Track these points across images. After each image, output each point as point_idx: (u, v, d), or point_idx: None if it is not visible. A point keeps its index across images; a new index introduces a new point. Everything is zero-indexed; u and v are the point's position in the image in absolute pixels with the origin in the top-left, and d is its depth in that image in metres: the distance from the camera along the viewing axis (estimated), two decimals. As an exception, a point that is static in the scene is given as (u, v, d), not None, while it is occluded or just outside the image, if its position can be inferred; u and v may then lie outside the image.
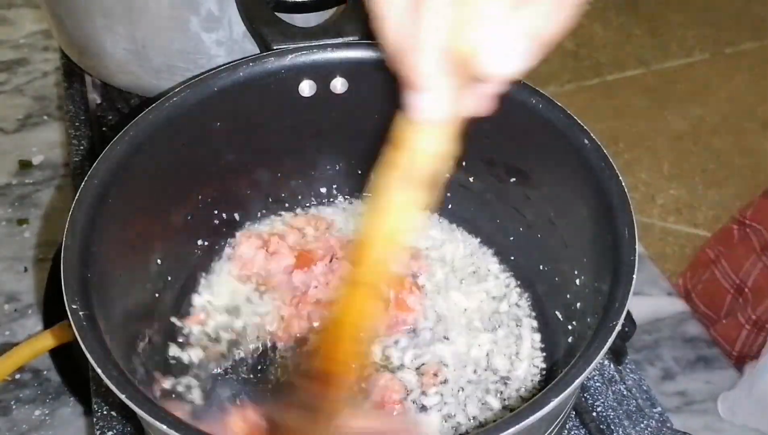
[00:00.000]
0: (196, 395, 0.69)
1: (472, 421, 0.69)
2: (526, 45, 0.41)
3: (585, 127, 0.65)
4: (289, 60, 0.72)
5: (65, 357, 0.85)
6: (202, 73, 0.71)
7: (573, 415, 0.73)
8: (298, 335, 0.73)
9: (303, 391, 0.54)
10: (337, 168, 0.82)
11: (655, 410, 0.75)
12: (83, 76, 1.03)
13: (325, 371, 0.53)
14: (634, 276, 0.56)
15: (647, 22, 3.05)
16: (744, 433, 0.83)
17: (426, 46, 0.43)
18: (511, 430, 0.48)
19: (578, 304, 0.68)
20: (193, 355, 0.72)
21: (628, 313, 0.65)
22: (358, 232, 0.50)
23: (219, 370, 0.72)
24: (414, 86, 0.44)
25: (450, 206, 0.82)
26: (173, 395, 0.68)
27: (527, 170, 0.73)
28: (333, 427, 0.55)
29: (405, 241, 0.50)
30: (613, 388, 0.71)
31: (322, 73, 0.73)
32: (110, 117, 1.01)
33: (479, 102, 0.46)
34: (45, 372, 0.86)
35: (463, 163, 0.77)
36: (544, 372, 0.72)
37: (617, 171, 0.62)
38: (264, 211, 0.82)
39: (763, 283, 1.11)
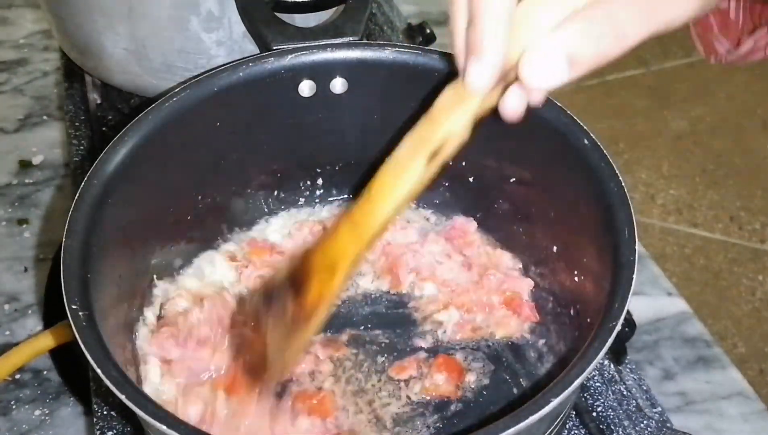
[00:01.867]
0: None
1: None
2: (564, 65, 0.43)
3: (585, 127, 0.65)
4: (288, 60, 0.72)
5: (65, 357, 0.85)
6: (202, 73, 0.71)
7: (573, 415, 0.73)
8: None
9: (285, 306, 0.58)
10: (337, 168, 0.82)
11: (655, 410, 0.75)
12: (83, 76, 1.03)
13: (305, 298, 0.56)
14: (634, 276, 0.56)
15: (647, 22, 3.04)
16: (744, 434, 0.83)
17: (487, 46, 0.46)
18: (511, 430, 0.48)
19: (578, 304, 0.68)
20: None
21: (628, 313, 0.65)
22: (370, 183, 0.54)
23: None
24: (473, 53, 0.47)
25: (449, 205, 0.82)
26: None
27: (527, 170, 0.73)
28: (300, 345, 0.59)
29: (402, 207, 0.54)
30: (613, 388, 0.71)
31: (322, 73, 0.73)
32: (110, 117, 1.01)
33: (512, 102, 0.49)
34: (45, 372, 0.86)
35: (463, 163, 0.77)
36: (544, 372, 0.72)
37: (617, 171, 0.62)
38: (264, 211, 0.82)
39: None
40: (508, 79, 0.47)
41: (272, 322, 0.59)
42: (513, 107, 0.48)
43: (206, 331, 0.69)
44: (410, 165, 0.52)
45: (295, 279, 0.58)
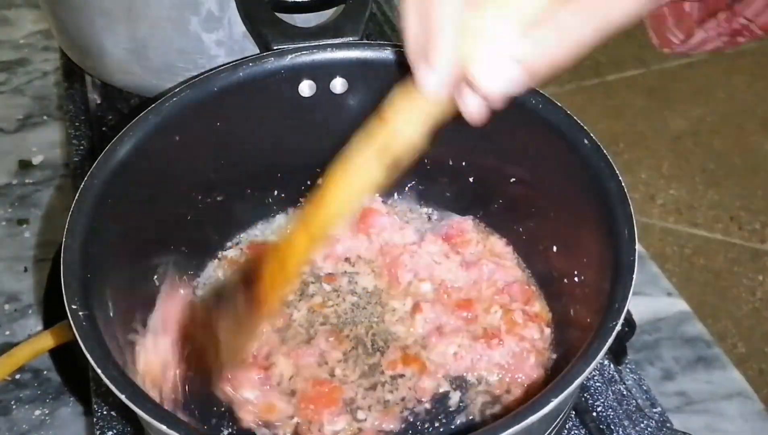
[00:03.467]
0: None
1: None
2: (516, 71, 0.44)
3: (585, 127, 0.65)
4: (289, 60, 0.72)
5: (65, 357, 0.85)
6: (202, 73, 0.71)
7: (573, 415, 0.73)
8: None
9: (237, 300, 0.61)
10: (337, 168, 0.82)
11: (655, 410, 0.76)
12: (83, 76, 1.03)
13: (257, 290, 0.59)
14: (634, 276, 0.56)
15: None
16: (744, 434, 0.83)
17: (439, 50, 0.45)
18: (511, 430, 0.49)
19: (578, 304, 0.68)
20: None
21: (628, 313, 0.65)
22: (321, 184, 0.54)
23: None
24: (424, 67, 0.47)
25: (449, 205, 0.82)
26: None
27: (527, 170, 0.73)
28: (251, 330, 0.63)
29: (355, 207, 0.55)
30: (613, 388, 0.71)
31: (322, 73, 0.73)
32: (110, 117, 1.01)
33: (471, 107, 0.48)
34: (45, 372, 0.86)
35: (463, 163, 0.78)
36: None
37: (617, 171, 0.62)
38: (264, 211, 0.82)
39: None
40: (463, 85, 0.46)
41: (224, 315, 0.62)
42: (474, 112, 0.48)
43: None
44: (363, 169, 0.51)
45: (247, 276, 0.60)
